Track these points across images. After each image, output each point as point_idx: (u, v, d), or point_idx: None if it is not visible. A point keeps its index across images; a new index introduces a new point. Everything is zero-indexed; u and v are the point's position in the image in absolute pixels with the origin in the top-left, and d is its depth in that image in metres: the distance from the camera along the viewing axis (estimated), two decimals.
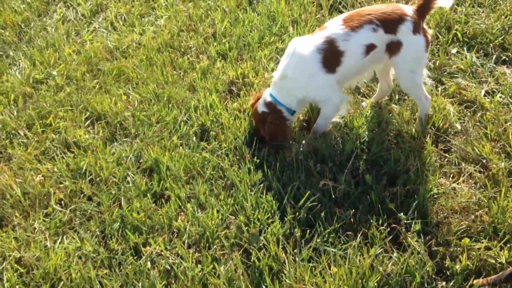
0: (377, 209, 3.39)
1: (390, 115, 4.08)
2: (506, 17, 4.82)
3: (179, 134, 4.11)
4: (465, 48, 4.65)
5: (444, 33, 4.77)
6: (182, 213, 3.57)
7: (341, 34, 3.64)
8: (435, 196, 3.52)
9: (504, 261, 3.11)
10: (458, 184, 3.59)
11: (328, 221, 3.36)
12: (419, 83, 3.83)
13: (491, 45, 4.62)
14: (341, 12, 5.12)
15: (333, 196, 3.49)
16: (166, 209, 3.56)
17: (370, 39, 3.64)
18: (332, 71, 3.71)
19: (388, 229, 3.27)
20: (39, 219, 3.63)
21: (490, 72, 4.42)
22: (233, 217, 3.48)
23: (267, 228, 3.36)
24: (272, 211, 3.47)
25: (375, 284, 3.03)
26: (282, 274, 3.15)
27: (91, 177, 3.87)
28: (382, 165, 3.70)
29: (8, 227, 3.63)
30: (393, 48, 3.69)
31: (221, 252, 3.32)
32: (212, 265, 3.24)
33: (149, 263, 3.28)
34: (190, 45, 5.06)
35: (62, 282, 3.24)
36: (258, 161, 3.77)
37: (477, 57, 4.56)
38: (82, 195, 3.78)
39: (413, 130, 3.95)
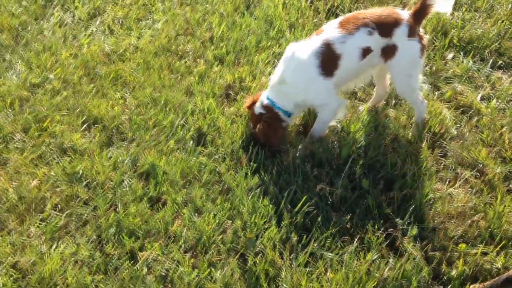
0: (374, 213, 3.40)
1: (387, 119, 4.08)
2: (502, 22, 4.84)
3: (176, 138, 4.10)
4: (461, 53, 4.66)
5: (441, 38, 4.78)
6: (178, 217, 3.56)
7: (338, 37, 3.65)
8: (432, 201, 3.53)
9: (500, 266, 3.12)
10: (454, 189, 3.60)
11: (325, 226, 3.36)
12: (415, 87, 3.83)
13: (487, 50, 4.64)
14: (338, 16, 5.12)
15: (330, 201, 3.50)
16: (162, 213, 3.56)
17: (366, 42, 3.65)
18: (330, 75, 3.72)
19: (385, 234, 3.28)
20: (35, 223, 3.62)
21: (486, 77, 4.44)
22: (230, 222, 3.48)
23: (264, 233, 3.36)
24: (269, 216, 3.47)
25: None
26: (279, 279, 3.15)
27: (87, 181, 3.86)
28: (379, 170, 3.70)
29: (3, 231, 3.61)
30: (389, 52, 3.70)
31: (217, 257, 3.31)
32: (208, 270, 3.23)
33: (145, 268, 3.27)
34: (187, 49, 5.06)
35: (58, 287, 3.23)
36: (255, 165, 3.77)
37: (473, 62, 4.57)
38: (78, 199, 3.77)
39: (410, 134, 3.96)
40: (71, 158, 4.04)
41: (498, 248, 3.20)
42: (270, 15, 5.27)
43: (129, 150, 4.05)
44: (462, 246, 3.22)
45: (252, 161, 3.81)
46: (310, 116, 4.17)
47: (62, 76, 4.87)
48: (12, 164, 4.04)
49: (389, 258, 3.18)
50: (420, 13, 3.69)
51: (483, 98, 4.27)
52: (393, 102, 4.28)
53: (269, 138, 3.90)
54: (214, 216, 3.50)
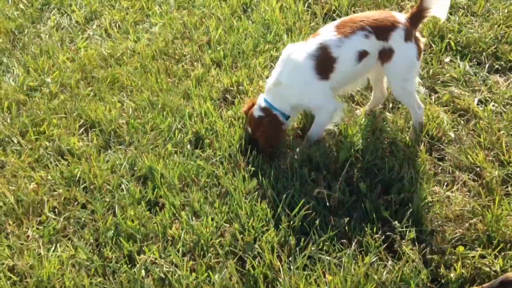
0: (372, 217, 3.40)
1: (384, 123, 4.09)
2: (499, 26, 4.86)
3: (174, 142, 4.10)
4: (458, 57, 4.68)
5: (438, 41, 4.80)
6: (176, 221, 3.56)
7: (334, 41, 3.66)
8: (430, 204, 3.53)
9: (498, 269, 3.12)
10: (452, 192, 3.60)
11: (323, 229, 3.36)
12: (411, 91, 3.84)
13: (484, 54, 4.66)
14: (335, 20, 5.13)
15: (328, 204, 3.50)
16: (160, 217, 3.55)
17: (363, 45, 3.66)
18: (325, 77, 3.73)
19: (383, 237, 3.27)
20: (33, 227, 3.61)
21: (483, 81, 4.45)
22: (228, 225, 3.48)
23: (262, 236, 3.36)
24: (267, 219, 3.47)
25: None
26: (277, 282, 3.15)
27: (85, 184, 3.86)
28: (377, 173, 3.70)
29: (1, 235, 3.60)
30: (385, 55, 3.71)
31: (215, 260, 3.31)
32: (206, 273, 3.22)
33: (143, 271, 3.27)
34: (184, 53, 5.06)
35: None
36: (252, 169, 3.77)
37: (470, 66, 4.58)
38: (76, 203, 3.77)
39: (407, 138, 3.96)
40: (69, 162, 4.04)
41: (496, 251, 3.20)
42: (267, 19, 5.28)
43: (126, 154, 4.05)
44: (460, 249, 3.22)
45: (250, 165, 3.81)
46: (308, 120, 4.17)
47: (59, 80, 4.87)
48: (10, 167, 4.04)
49: (387, 261, 3.17)
50: (417, 17, 3.71)
51: (480, 102, 4.28)
52: (390, 105, 4.29)
53: (272, 140, 3.91)
54: (212, 219, 3.49)
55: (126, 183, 3.83)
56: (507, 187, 3.60)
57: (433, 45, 4.78)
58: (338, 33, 3.66)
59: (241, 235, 3.37)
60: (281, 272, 3.17)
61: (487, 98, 4.30)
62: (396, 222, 3.30)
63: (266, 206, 3.52)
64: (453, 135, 3.98)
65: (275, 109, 3.88)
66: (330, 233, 3.31)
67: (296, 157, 3.84)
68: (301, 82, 3.77)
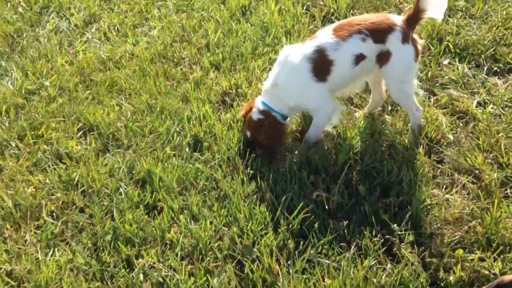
0: (371, 220, 3.39)
1: (383, 126, 4.09)
2: (497, 28, 4.86)
3: (172, 145, 4.09)
4: (456, 59, 4.67)
5: (436, 44, 4.80)
6: (175, 224, 3.55)
7: (331, 43, 3.66)
8: (428, 207, 3.52)
9: (497, 272, 3.11)
10: (451, 195, 3.59)
11: (322, 233, 3.35)
12: (409, 93, 3.84)
13: (483, 56, 4.65)
14: (333, 23, 5.13)
15: (327, 207, 3.49)
16: (158, 220, 3.54)
17: (360, 48, 3.66)
18: (322, 80, 3.73)
19: (382, 240, 3.27)
20: (31, 231, 3.60)
21: (481, 83, 4.44)
22: (226, 229, 3.47)
23: (261, 240, 3.35)
24: (266, 223, 3.46)
25: None
26: (276, 286, 3.14)
27: (83, 188, 3.85)
28: (376, 176, 3.69)
29: None
30: (383, 58, 3.71)
31: (214, 264, 3.30)
32: (205, 277, 3.21)
33: (141, 275, 3.25)
34: (183, 56, 5.06)
35: None
36: (251, 172, 3.77)
37: (469, 68, 4.58)
38: (74, 206, 3.76)
39: (406, 141, 3.96)
40: (67, 165, 4.03)
41: (495, 254, 3.20)
42: (266, 21, 5.28)
43: (125, 157, 4.05)
44: (460, 252, 3.21)
45: (249, 168, 3.81)
46: (306, 122, 4.17)
47: (58, 83, 4.86)
48: (8, 171, 4.03)
49: (387, 264, 3.17)
50: (414, 19, 3.70)
51: (479, 104, 4.27)
52: (389, 108, 4.29)
53: (274, 141, 3.92)
54: (211, 223, 3.48)
55: (125, 186, 3.82)
56: (506, 190, 3.60)
57: (431, 47, 4.78)
58: (335, 36, 3.67)
59: (240, 239, 3.36)
60: (280, 276, 3.16)
61: (486, 100, 4.29)
62: (395, 225, 3.29)
63: (265, 209, 3.51)
64: (452, 138, 3.98)
65: (273, 111, 3.88)
66: (329, 237, 3.30)
67: (295, 160, 3.84)
68: (299, 83, 3.77)
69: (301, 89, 3.78)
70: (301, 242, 3.31)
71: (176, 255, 3.34)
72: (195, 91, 4.59)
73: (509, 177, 3.66)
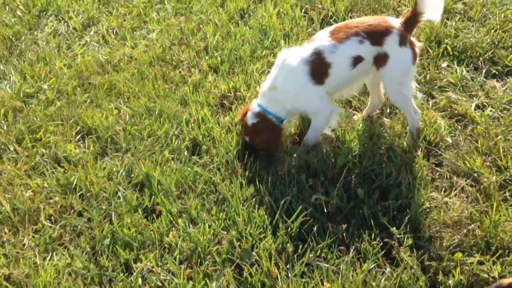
0: (370, 223, 3.38)
1: (382, 128, 4.08)
2: (495, 31, 4.87)
3: (171, 148, 4.09)
4: (455, 62, 4.68)
5: (434, 47, 4.80)
6: (173, 228, 3.54)
7: (328, 46, 3.66)
8: (427, 210, 3.52)
9: (496, 276, 3.11)
10: (450, 198, 3.59)
11: (321, 236, 3.35)
12: (407, 96, 3.84)
13: (481, 59, 4.66)
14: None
15: (325, 211, 3.49)
16: (157, 224, 3.53)
17: (357, 51, 3.66)
18: (320, 82, 3.73)
19: (381, 243, 3.26)
20: (29, 235, 3.59)
21: (480, 86, 4.45)
22: (225, 232, 3.46)
23: (259, 243, 3.34)
24: (264, 226, 3.46)
25: None
26: None
27: (81, 192, 3.84)
28: (374, 179, 3.69)
29: None
30: (380, 60, 3.71)
31: (213, 268, 3.29)
32: (204, 281, 3.21)
33: (140, 279, 3.25)
34: (182, 59, 5.06)
35: None
36: (250, 175, 3.76)
37: (467, 71, 4.59)
38: (72, 210, 3.75)
39: (405, 144, 3.96)
40: (65, 169, 4.02)
41: (494, 258, 3.19)
42: (265, 24, 5.28)
43: (123, 161, 4.04)
44: (458, 255, 3.20)
45: (247, 171, 3.80)
46: (305, 126, 4.17)
47: (56, 87, 4.86)
48: (6, 175, 4.02)
49: (386, 268, 3.16)
50: (411, 21, 3.71)
51: (477, 107, 4.27)
52: (387, 111, 4.29)
53: (272, 144, 3.92)
54: (209, 226, 3.48)
55: (123, 190, 3.81)
56: (504, 193, 3.60)
57: (430, 50, 4.79)
58: (332, 39, 3.67)
59: (239, 242, 3.36)
60: (279, 279, 3.16)
61: (484, 103, 4.30)
62: (394, 228, 3.29)
63: (264, 212, 3.50)
64: (450, 141, 3.98)
65: (269, 114, 3.87)
66: (328, 240, 3.29)
67: (293, 163, 3.84)
68: (297, 86, 3.77)
69: (299, 91, 3.78)
70: (300, 246, 3.31)
71: (175, 259, 3.33)
72: (193, 94, 4.59)
73: (507, 180, 3.66)
